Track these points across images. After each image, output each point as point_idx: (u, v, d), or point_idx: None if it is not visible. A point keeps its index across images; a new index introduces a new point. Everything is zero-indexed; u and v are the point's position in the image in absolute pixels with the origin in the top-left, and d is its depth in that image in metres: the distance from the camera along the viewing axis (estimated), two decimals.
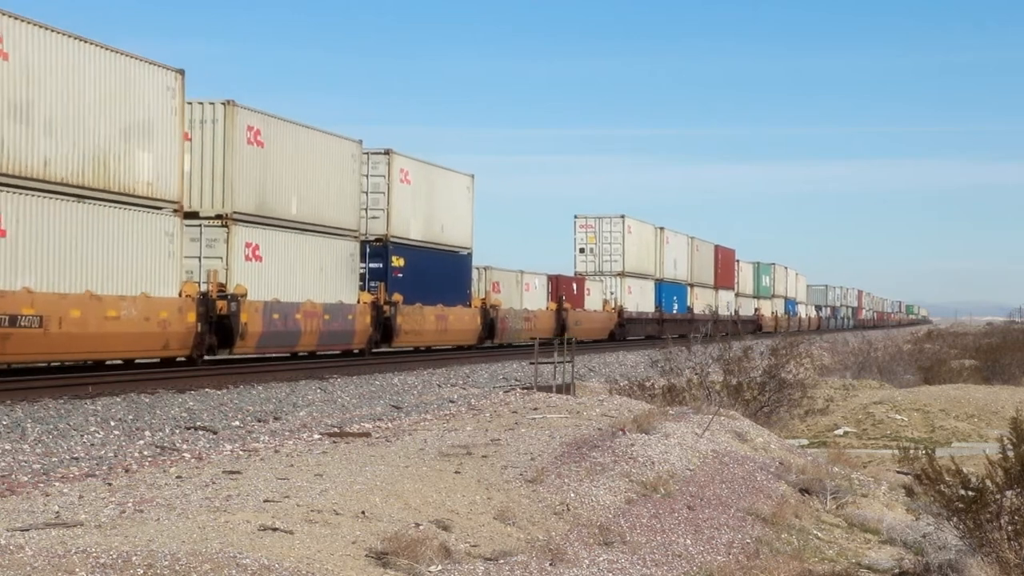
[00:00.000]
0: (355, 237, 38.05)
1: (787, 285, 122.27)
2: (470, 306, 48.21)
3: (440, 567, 10.78)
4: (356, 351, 38.44)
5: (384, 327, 40.05)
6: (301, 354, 35.96)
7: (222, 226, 31.66)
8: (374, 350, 39.33)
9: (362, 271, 39.15)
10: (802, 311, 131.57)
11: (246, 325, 31.57)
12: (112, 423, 18.54)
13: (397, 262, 41.37)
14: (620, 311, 68.80)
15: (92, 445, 16.12)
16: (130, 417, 19.43)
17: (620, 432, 19.73)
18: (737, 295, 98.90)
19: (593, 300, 65.92)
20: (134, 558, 9.03)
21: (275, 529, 10.48)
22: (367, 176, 40.27)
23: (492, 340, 51.24)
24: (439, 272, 45.12)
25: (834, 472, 21.15)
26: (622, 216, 70.05)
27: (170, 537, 9.80)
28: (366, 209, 40.13)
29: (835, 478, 20.49)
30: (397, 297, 40.51)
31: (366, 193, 40.12)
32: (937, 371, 50.14)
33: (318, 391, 26.15)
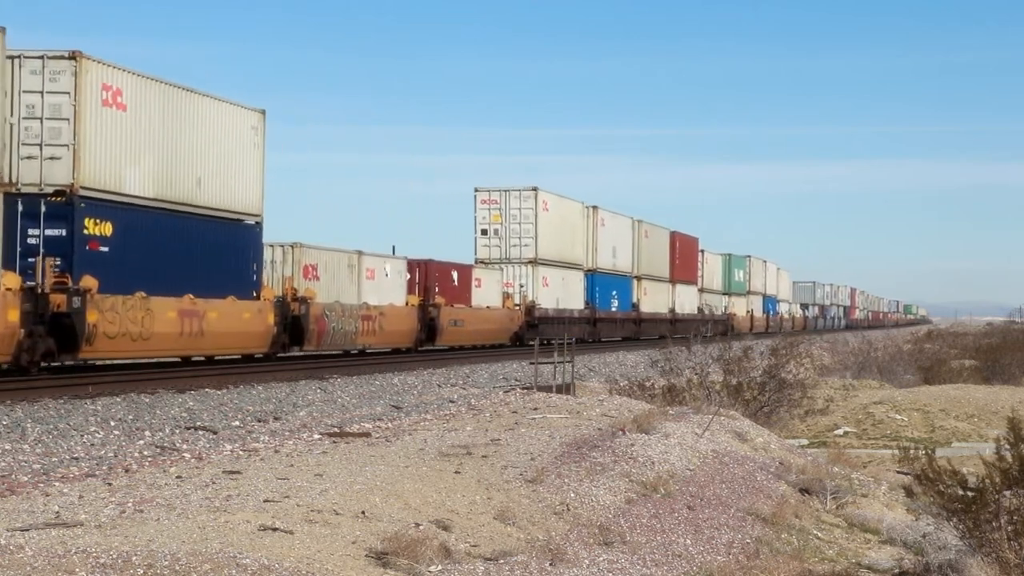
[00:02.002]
0: None
1: (766, 281, 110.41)
2: (257, 298, 33.52)
3: (440, 567, 10.78)
4: None
5: (59, 330, 25.48)
6: None
7: None
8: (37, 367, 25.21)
9: (33, 241, 25.88)
10: (784, 310, 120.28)
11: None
12: (112, 423, 18.54)
13: (96, 228, 27.15)
14: (531, 308, 54.89)
15: (92, 445, 16.12)
16: (130, 417, 19.43)
17: (620, 432, 19.74)
18: (702, 291, 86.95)
19: (486, 294, 51.59)
20: (134, 558, 9.04)
21: (275, 529, 10.48)
22: (38, 93, 26.42)
23: (300, 347, 36.83)
24: (192, 248, 30.83)
25: (834, 472, 21.16)
26: (534, 189, 55.73)
27: (170, 537, 9.80)
28: (40, 145, 26.35)
29: (835, 478, 20.50)
30: (89, 282, 26.16)
31: (39, 120, 26.39)
32: (937, 371, 50.17)
33: (318, 391, 26.16)
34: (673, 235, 79.86)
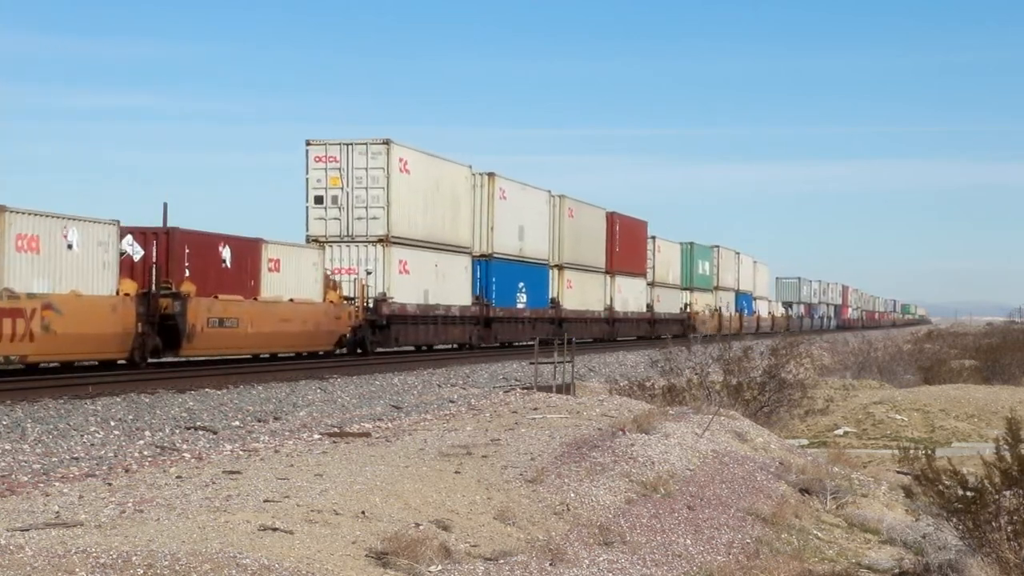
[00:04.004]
0: None
1: (739, 275, 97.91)
2: None
3: (440, 567, 10.78)
4: None
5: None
6: None
7: None
8: None
9: None
10: (763, 308, 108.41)
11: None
12: (112, 423, 18.54)
13: None
14: (377, 304, 40.29)
15: (92, 445, 16.12)
16: (130, 417, 19.44)
17: (620, 432, 19.74)
18: (653, 285, 74.18)
19: (291, 282, 35.82)
20: (134, 558, 9.04)
21: (275, 529, 10.48)
22: None
23: None
24: None
25: (834, 472, 21.17)
26: (386, 142, 41.08)
27: (170, 537, 9.80)
28: None
29: (835, 478, 20.50)
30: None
31: None
32: (937, 371, 50.19)
33: (318, 391, 26.16)
34: (612, 217, 65.43)
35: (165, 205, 31.95)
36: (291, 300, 35.69)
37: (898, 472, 24.73)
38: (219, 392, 24.64)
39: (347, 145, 41.13)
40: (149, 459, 14.99)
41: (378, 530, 11.15)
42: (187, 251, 31.54)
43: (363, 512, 11.77)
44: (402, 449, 16.41)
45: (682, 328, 75.93)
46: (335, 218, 41.12)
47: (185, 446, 16.41)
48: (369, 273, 40.58)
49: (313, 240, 40.51)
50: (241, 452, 15.90)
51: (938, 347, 73.33)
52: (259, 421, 20.11)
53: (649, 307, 73.08)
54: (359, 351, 39.90)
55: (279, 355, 36.12)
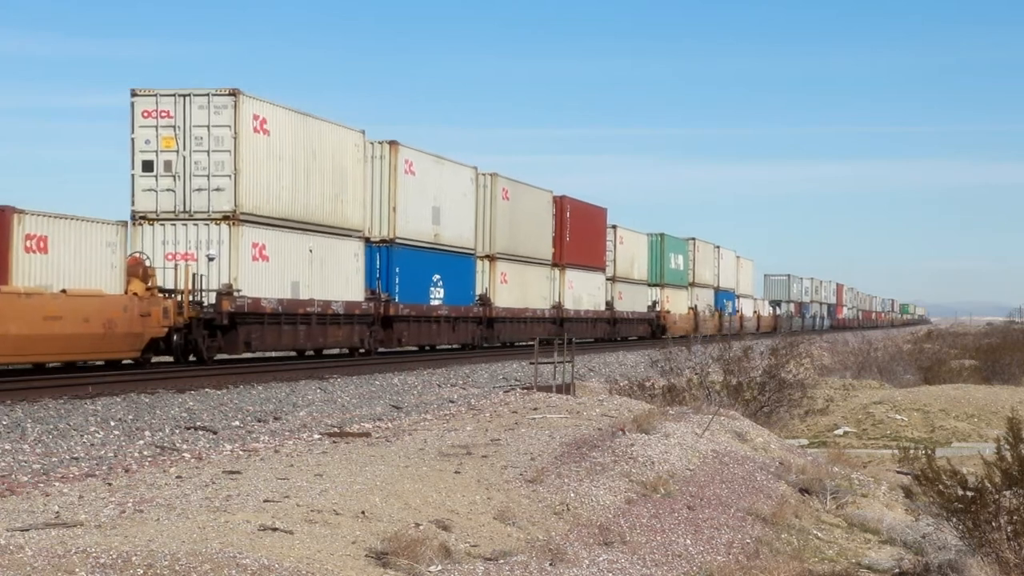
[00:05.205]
0: None
1: (719, 271, 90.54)
2: None
3: (440, 567, 10.78)
4: None
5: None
6: None
7: None
8: None
9: None
10: (747, 307, 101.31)
11: None
12: (112, 423, 18.54)
13: None
14: (219, 299, 30.98)
15: (92, 445, 16.12)
16: (130, 417, 19.43)
17: (620, 432, 19.74)
18: (614, 280, 66.51)
19: (68, 266, 26.63)
20: (134, 558, 9.04)
21: (275, 529, 10.48)
22: None
23: None
24: None
25: (834, 472, 21.18)
26: (233, 93, 32.15)
27: (170, 537, 9.80)
28: None
29: (835, 478, 20.51)
30: None
31: None
32: (937, 371, 50.17)
33: (318, 391, 26.15)
34: (561, 201, 57.26)
35: None
36: (67, 292, 26.18)
37: (898, 472, 24.74)
38: (219, 392, 24.63)
39: (183, 96, 32.19)
40: (149, 459, 14.99)
41: (378, 530, 11.15)
42: None
43: (363, 512, 11.77)
44: (402, 449, 16.41)
45: (650, 328, 71.20)
46: (169, 189, 32.17)
47: (185, 446, 16.41)
48: (212, 259, 31.77)
49: (141, 217, 32.18)
50: (241, 452, 15.90)
51: (938, 347, 73.28)
52: (259, 421, 20.11)
53: (609, 305, 65.21)
54: (193, 358, 31.03)
55: (48, 366, 27.06)
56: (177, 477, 13.17)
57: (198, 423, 19.20)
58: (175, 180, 32.15)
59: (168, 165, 32.10)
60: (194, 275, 30.97)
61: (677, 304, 78.03)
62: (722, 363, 31.71)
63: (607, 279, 65.14)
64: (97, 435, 17.10)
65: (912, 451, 25.97)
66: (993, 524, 13.74)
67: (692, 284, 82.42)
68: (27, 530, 9.90)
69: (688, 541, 14.32)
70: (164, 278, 30.47)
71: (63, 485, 12.50)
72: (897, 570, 15.21)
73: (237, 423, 19.59)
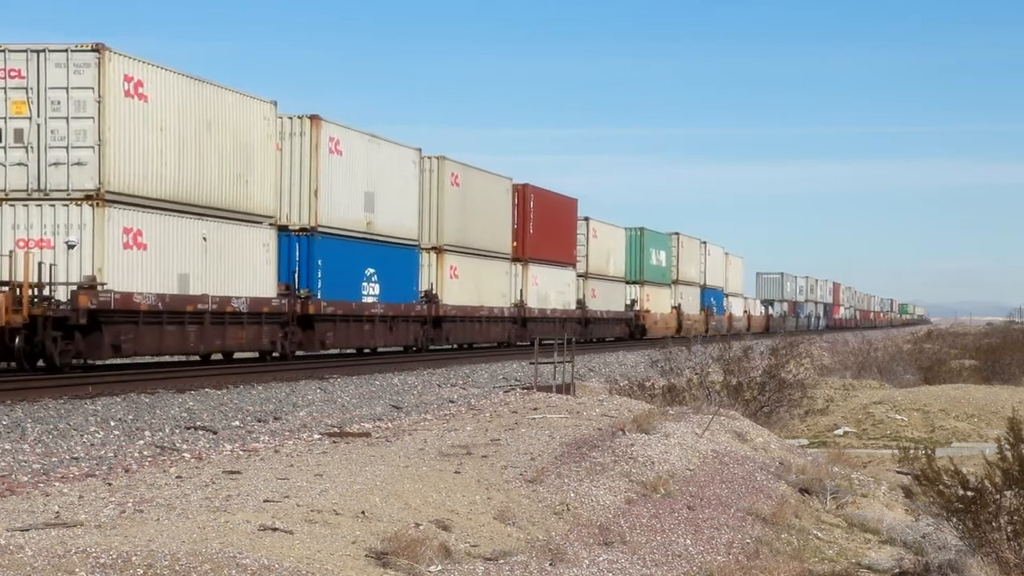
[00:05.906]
0: None
1: (705, 268, 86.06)
2: None
3: (440, 567, 10.78)
4: None
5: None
6: None
7: None
8: None
9: None
10: (737, 306, 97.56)
11: None
12: (112, 423, 18.54)
13: None
14: (75, 295, 25.58)
15: (92, 445, 16.12)
16: (130, 417, 19.43)
17: (620, 432, 19.74)
18: (586, 277, 62.31)
19: None
20: (134, 558, 9.04)
21: (275, 529, 10.48)
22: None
23: None
24: None
25: (834, 472, 21.18)
26: (97, 49, 26.51)
27: (170, 537, 9.80)
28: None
29: (835, 478, 20.51)
30: None
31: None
32: (937, 371, 50.14)
33: (318, 391, 26.15)
34: (523, 190, 52.30)
35: None
36: None
37: (898, 472, 24.74)
38: (219, 392, 24.63)
39: (38, 52, 26.66)
40: (149, 459, 14.99)
41: (378, 530, 11.15)
42: None
43: (363, 512, 11.77)
44: (402, 449, 16.41)
45: (628, 329, 67.84)
46: (20, 163, 26.75)
47: (185, 446, 16.41)
48: (72, 247, 26.38)
49: None
50: (241, 452, 15.90)
51: (938, 347, 73.25)
52: (259, 421, 20.11)
53: (580, 303, 60.72)
54: (41, 364, 25.97)
55: None
56: (177, 477, 13.17)
57: (198, 423, 19.20)
58: (27, 152, 26.72)
59: (19, 135, 26.79)
60: (40, 264, 25.33)
61: (659, 303, 74.11)
62: (722, 363, 31.72)
63: (578, 275, 60.72)
64: (97, 435, 17.09)
65: (912, 451, 25.97)
66: (993, 524, 13.75)
67: (676, 282, 78.69)
68: (27, 530, 9.90)
69: (688, 541, 14.33)
70: (9, 269, 25.05)
71: (63, 485, 12.50)
72: (897, 570, 15.21)
73: (237, 423, 19.59)
